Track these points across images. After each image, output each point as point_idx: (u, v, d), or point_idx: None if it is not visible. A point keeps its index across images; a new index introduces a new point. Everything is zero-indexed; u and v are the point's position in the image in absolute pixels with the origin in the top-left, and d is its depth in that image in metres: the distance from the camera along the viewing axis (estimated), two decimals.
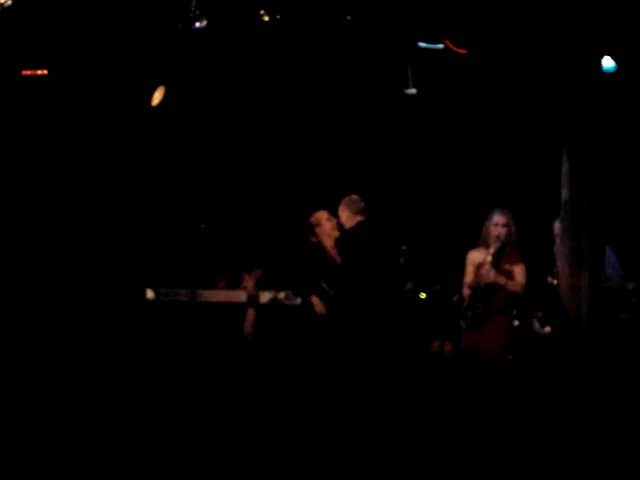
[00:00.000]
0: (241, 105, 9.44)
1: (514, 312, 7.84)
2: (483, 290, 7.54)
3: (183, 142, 9.69)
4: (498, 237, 7.56)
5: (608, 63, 8.12)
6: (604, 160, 8.33)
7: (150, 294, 9.22)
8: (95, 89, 9.24)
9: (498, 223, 7.59)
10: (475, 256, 7.74)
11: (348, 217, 8.04)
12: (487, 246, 7.65)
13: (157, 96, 9.16)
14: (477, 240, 7.81)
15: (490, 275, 7.53)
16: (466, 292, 7.68)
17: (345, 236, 8.03)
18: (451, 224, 9.17)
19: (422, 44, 8.36)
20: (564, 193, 8.53)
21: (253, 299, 8.88)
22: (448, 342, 8.29)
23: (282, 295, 8.94)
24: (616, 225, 8.34)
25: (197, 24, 8.37)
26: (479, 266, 7.64)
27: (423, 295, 8.91)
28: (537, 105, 8.48)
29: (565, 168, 8.52)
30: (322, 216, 8.12)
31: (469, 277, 7.72)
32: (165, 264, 9.51)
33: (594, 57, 8.12)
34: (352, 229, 8.01)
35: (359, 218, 8.00)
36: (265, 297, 8.97)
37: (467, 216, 8.80)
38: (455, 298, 8.32)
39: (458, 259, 7.89)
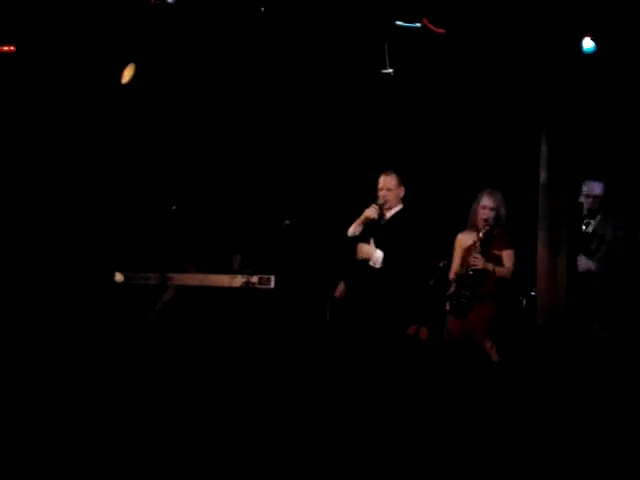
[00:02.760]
0: (214, 83, 9.26)
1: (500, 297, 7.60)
2: (470, 277, 7.30)
3: (154, 122, 9.50)
4: (486, 221, 7.30)
5: (588, 44, 8.02)
6: (583, 142, 8.26)
7: (119, 277, 9.05)
8: (64, 66, 9.06)
9: (486, 206, 7.32)
10: (464, 239, 7.50)
11: (399, 196, 7.45)
12: (475, 229, 7.41)
13: (127, 74, 9.00)
14: (447, 221, 7.75)
15: (478, 262, 7.25)
16: (453, 277, 7.47)
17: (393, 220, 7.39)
18: (428, 205, 9.01)
19: (400, 23, 8.24)
20: (542, 175, 8.47)
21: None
22: (424, 328, 8.15)
23: (255, 279, 8.81)
24: None
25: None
26: (467, 251, 7.41)
27: None
28: (516, 86, 8.38)
29: (544, 150, 8.47)
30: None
31: (457, 261, 7.48)
32: (135, 247, 9.33)
33: (574, 38, 8.03)
34: (400, 216, 7.42)
35: (400, 204, 7.47)
36: (238, 281, 8.84)
37: (443, 198, 8.69)
38: (431, 282, 8.17)
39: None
